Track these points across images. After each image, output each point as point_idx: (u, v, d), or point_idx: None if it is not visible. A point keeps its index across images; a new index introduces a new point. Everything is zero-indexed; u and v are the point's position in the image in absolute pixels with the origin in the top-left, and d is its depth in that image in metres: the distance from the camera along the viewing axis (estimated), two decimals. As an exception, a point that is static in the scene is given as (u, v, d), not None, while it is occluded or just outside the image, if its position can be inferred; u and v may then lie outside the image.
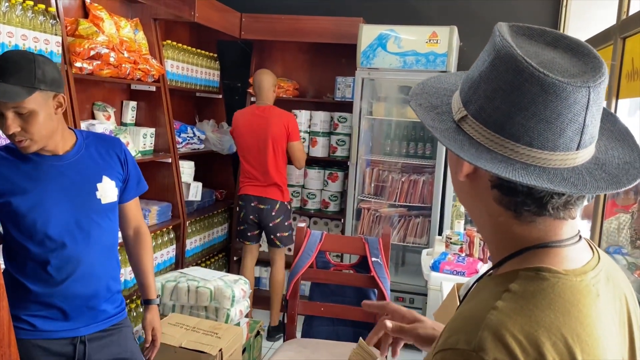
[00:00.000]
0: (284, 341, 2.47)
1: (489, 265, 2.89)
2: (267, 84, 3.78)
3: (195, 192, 3.76)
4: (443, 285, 2.58)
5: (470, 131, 0.73)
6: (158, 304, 2.00)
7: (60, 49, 2.59)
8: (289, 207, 3.86)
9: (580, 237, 0.76)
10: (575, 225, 0.76)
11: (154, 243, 3.36)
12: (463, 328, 0.67)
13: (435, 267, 2.78)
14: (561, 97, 0.67)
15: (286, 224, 3.80)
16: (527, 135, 0.69)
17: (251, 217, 3.76)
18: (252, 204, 3.74)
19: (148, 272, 1.98)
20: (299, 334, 2.59)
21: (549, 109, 0.67)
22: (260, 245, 3.97)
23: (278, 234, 3.77)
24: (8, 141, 2.23)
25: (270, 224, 3.74)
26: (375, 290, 2.41)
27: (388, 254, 2.38)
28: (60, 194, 1.66)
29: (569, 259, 0.73)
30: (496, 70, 0.70)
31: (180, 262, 3.63)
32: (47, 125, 1.58)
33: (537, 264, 0.71)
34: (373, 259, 2.33)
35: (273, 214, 3.73)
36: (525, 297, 0.68)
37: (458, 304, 2.14)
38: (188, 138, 3.92)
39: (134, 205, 1.93)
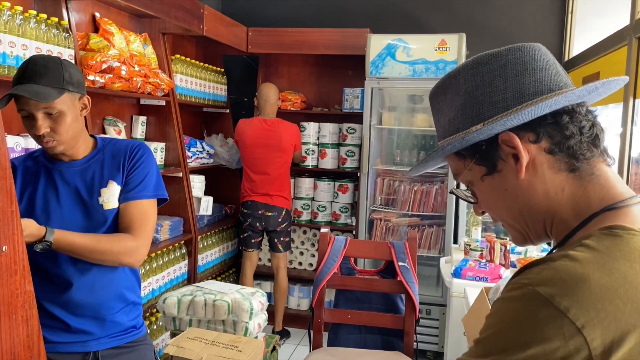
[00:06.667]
0: (310, 350, 2.40)
1: (511, 270, 2.84)
2: (274, 97, 3.94)
3: (206, 206, 3.71)
4: (467, 291, 2.52)
5: (503, 124, 0.78)
6: (48, 243, 1.48)
7: (72, 61, 2.58)
8: (291, 215, 4.04)
9: None
10: (628, 188, 0.79)
11: (166, 259, 3.30)
12: (534, 270, 0.70)
13: (456, 273, 2.73)
14: (538, 49, 0.80)
15: (289, 230, 3.96)
16: (544, 85, 0.77)
17: (257, 224, 3.86)
18: (260, 212, 3.84)
19: (81, 233, 1.57)
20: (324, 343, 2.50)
21: (538, 60, 0.79)
22: (259, 251, 4.09)
23: (281, 239, 3.92)
24: (33, 148, 2.19)
25: (277, 229, 3.88)
26: (403, 296, 2.34)
27: (415, 258, 2.32)
28: (65, 200, 1.62)
29: (638, 219, 0.73)
30: (478, 73, 0.81)
31: (192, 278, 3.57)
32: (74, 127, 1.61)
33: (609, 223, 0.72)
34: (400, 263, 2.27)
35: (279, 220, 3.87)
36: (599, 250, 0.68)
37: (489, 307, 2.09)
38: (197, 152, 3.89)
39: (129, 209, 1.65)
